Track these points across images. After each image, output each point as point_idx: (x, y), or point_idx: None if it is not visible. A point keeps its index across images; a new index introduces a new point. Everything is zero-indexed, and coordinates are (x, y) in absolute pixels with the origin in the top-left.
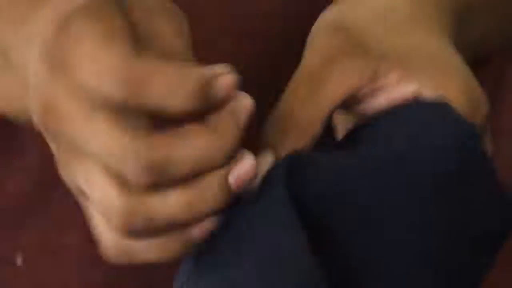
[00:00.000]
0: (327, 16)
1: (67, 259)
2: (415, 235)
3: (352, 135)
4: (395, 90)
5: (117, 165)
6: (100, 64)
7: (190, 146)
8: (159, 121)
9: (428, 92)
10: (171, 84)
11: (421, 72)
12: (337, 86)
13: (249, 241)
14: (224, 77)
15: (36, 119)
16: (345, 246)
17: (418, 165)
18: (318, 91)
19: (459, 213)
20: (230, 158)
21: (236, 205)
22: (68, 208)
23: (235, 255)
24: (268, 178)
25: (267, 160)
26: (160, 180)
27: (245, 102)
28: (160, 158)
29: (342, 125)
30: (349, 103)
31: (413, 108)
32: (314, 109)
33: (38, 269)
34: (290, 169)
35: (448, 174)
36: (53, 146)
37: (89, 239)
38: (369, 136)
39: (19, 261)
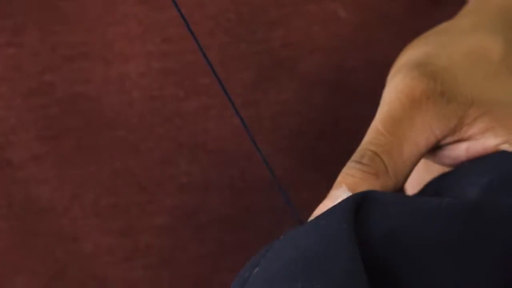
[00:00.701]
0: (414, 53)
1: None
2: None
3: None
4: (479, 142)
5: None
6: None
7: None
8: None
9: (511, 147)
10: None
11: (509, 125)
12: (422, 134)
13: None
14: None
15: None
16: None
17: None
18: (402, 138)
19: None
20: None
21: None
22: None
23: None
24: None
25: (344, 195)
26: None
27: None
28: None
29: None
30: (429, 147)
31: (497, 156)
32: (399, 158)
33: None
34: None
35: None
36: None
37: None
38: (448, 186)
39: None
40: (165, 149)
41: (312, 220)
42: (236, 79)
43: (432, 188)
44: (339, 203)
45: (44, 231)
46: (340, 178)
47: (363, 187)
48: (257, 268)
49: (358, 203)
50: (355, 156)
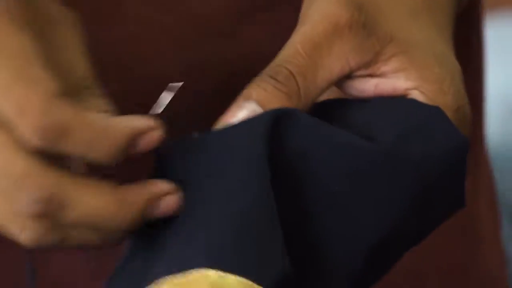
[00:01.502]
0: None
1: None
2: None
3: (339, 110)
4: (389, 81)
5: (9, 187)
6: (16, 96)
7: (88, 202)
8: None
9: (420, 95)
10: (94, 138)
11: (421, 71)
12: (338, 62)
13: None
14: (149, 134)
15: None
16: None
17: (406, 165)
18: (319, 63)
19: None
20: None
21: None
22: None
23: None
24: (252, 120)
25: (253, 108)
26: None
27: (169, 199)
28: (55, 196)
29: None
30: (341, 76)
31: (408, 104)
32: (312, 81)
33: None
34: (277, 119)
35: (429, 171)
36: None
37: None
38: (355, 119)
39: None
40: None
41: (227, 132)
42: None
43: (340, 115)
44: (255, 119)
45: None
46: (250, 88)
47: (273, 104)
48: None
49: (277, 118)
50: (270, 70)
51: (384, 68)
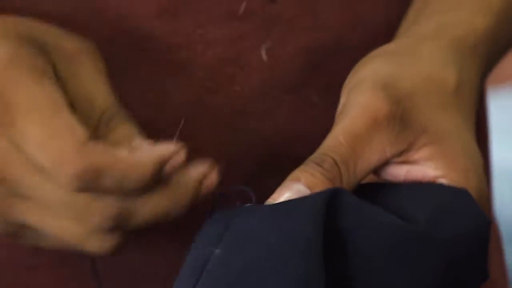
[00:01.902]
0: (378, 72)
1: None
2: None
3: (375, 194)
4: (420, 168)
5: (79, 215)
6: (51, 151)
7: (145, 210)
8: None
9: (447, 182)
10: (125, 173)
11: (449, 161)
12: (376, 153)
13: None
14: (174, 158)
15: None
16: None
17: (436, 245)
18: (360, 153)
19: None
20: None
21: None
22: None
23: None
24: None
25: (299, 189)
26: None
27: (211, 177)
28: (123, 210)
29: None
30: (379, 165)
31: (435, 188)
32: (353, 170)
33: None
34: (329, 198)
35: (457, 250)
36: None
37: None
38: (390, 200)
39: None
40: None
41: (274, 209)
42: (236, 169)
43: (376, 198)
44: (305, 200)
45: None
46: (298, 172)
47: (319, 188)
48: (218, 250)
49: (328, 200)
50: (316, 158)
51: (416, 156)
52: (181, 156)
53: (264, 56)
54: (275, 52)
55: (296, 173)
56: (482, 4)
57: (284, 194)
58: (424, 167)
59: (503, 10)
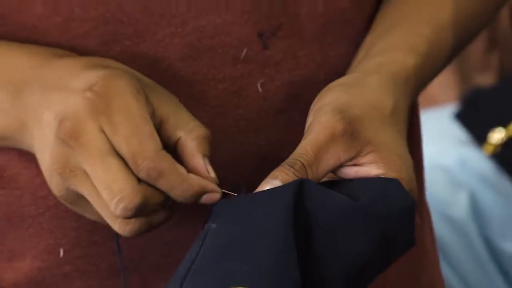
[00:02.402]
0: (336, 100)
1: None
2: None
3: (332, 186)
4: (365, 169)
5: (112, 198)
6: (133, 147)
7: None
8: None
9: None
10: (176, 184)
11: (387, 163)
12: (333, 159)
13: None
14: (212, 194)
15: (57, 134)
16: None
17: (370, 223)
18: (320, 159)
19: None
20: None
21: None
22: None
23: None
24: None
25: (277, 184)
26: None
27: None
28: (144, 204)
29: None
30: (335, 167)
31: (376, 181)
32: (316, 171)
33: None
34: (298, 186)
35: (391, 222)
36: (57, 158)
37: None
38: (344, 190)
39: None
40: None
41: (258, 195)
42: (239, 168)
43: (336, 189)
44: (280, 188)
45: None
46: (276, 172)
47: None
48: (213, 225)
49: (297, 188)
50: (289, 161)
51: (362, 160)
52: (217, 197)
53: (259, 89)
54: (267, 86)
55: (275, 172)
56: (411, 48)
57: (265, 187)
58: (368, 168)
59: (427, 53)
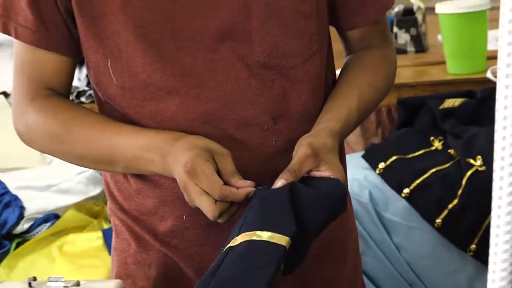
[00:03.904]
0: (310, 142)
1: None
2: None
3: (306, 180)
4: (322, 173)
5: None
6: (211, 186)
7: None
8: None
9: (333, 177)
10: (234, 198)
11: (334, 170)
12: (306, 167)
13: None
14: (251, 191)
15: (179, 182)
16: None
17: (325, 201)
18: (301, 168)
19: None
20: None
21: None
22: None
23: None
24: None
25: (283, 182)
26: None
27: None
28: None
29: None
30: (308, 171)
31: (327, 180)
32: (299, 173)
33: None
34: (292, 184)
35: (335, 209)
36: (184, 179)
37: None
38: (312, 183)
39: None
40: None
41: (273, 190)
42: (259, 177)
43: (307, 183)
44: (284, 187)
45: None
46: (282, 175)
47: (289, 181)
48: (255, 201)
49: (291, 186)
50: (288, 169)
51: (321, 168)
52: (253, 190)
53: (273, 143)
54: (277, 141)
55: (281, 175)
56: (338, 120)
57: (278, 183)
58: (324, 172)
59: (345, 122)
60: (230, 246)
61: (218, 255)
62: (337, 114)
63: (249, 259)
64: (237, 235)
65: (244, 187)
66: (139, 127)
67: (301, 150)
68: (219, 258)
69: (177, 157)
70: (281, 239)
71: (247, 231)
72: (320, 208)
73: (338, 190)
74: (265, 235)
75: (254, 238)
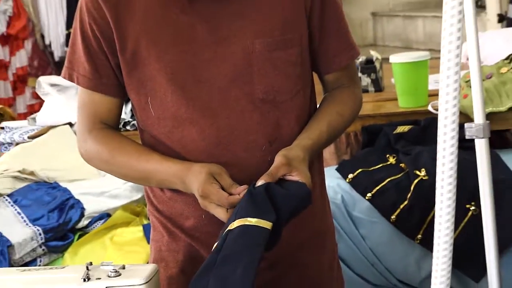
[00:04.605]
0: (285, 154)
1: None
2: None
3: (280, 182)
4: (293, 178)
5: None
6: (219, 200)
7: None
8: None
9: (303, 182)
10: (237, 202)
11: (302, 175)
12: (281, 173)
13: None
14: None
15: (199, 201)
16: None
17: (293, 204)
18: (276, 173)
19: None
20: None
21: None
22: None
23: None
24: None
25: (263, 182)
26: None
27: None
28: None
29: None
30: (282, 176)
31: (297, 184)
32: (275, 177)
33: None
34: (268, 184)
35: (300, 205)
36: (200, 200)
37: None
38: (284, 185)
39: None
40: None
41: (253, 188)
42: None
43: (281, 184)
44: (262, 185)
45: None
46: (263, 177)
47: (269, 181)
48: (241, 203)
49: (267, 185)
50: (268, 173)
51: (293, 174)
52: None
53: (269, 159)
54: (273, 159)
55: (262, 177)
56: (309, 138)
57: (258, 183)
58: (295, 177)
59: (315, 140)
60: (229, 230)
61: (219, 235)
62: (310, 134)
63: (244, 239)
64: (233, 221)
65: (241, 191)
66: (164, 156)
67: (277, 159)
68: (222, 238)
69: (191, 185)
70: (266, 224)
71: (241, 218)
72: (289, 204)
73: (303, 191)
74: (253, 221)
75: (247, 223)
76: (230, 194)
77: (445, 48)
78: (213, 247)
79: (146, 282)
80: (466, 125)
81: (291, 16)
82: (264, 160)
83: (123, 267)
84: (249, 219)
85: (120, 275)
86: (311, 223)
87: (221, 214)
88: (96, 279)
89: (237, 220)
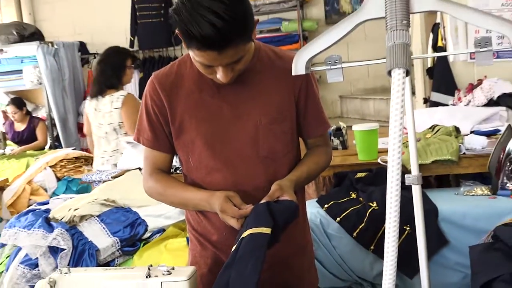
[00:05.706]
0: (279, 183)
1: None
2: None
3: (276, 201)
4: (285, 197)
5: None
6: (233, 213)
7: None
8: None
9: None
10: (239, 215)
11: (290, 196)
12: (276, 195)
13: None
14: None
15: (220, 215)
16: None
17: (286, 214)
18: (273, 194)
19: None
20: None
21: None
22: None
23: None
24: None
25: (266, 200)
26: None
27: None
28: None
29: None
30: (277, 197)
31: (288, 201)
32: (272, 197)
33: None
34: (269, 203)
35: (291, 216)
36: (220, 215)
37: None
38: (279, 203)
39: None
40: None
41: (259, 203)
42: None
43: (277, 201)
44: (265, 203)
45: None
46: (265, 198)
47: (270, 200)
48: (248, 218)
49: (268, 203)
50: (268, 196)
51: (284, 196)
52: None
53: (265, 187)
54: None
55: (264, 198)
56: (294, 175)
57: (262, 201)
58: (285, 197)
59: (300, 174)
60: (243, 237)
61: (235, 242)
62: (295, 173)
63: (252, 243)
64: (245, 231)
65: (249, 207)
66: (197, 188)
67: (273, 187)
68: (238, 243)
69: (214, 205)
70: (267, 230)
71: (251, 228)
72: (283, 215)
73: (292, 206)
74: (258, 229)
75: (254, 232)
76: (240, 209)
77: (392, 119)
78: (232, 250)
79: (188, 279)
80: (406, 175)
81: (285, 101)
82: (264, 195)
83: (173, 268)
84: (255, 228)
85: (171, 273)
86: (296, 239)
87: (234, 223)
88: (155, 276)
89: (248, 230)
